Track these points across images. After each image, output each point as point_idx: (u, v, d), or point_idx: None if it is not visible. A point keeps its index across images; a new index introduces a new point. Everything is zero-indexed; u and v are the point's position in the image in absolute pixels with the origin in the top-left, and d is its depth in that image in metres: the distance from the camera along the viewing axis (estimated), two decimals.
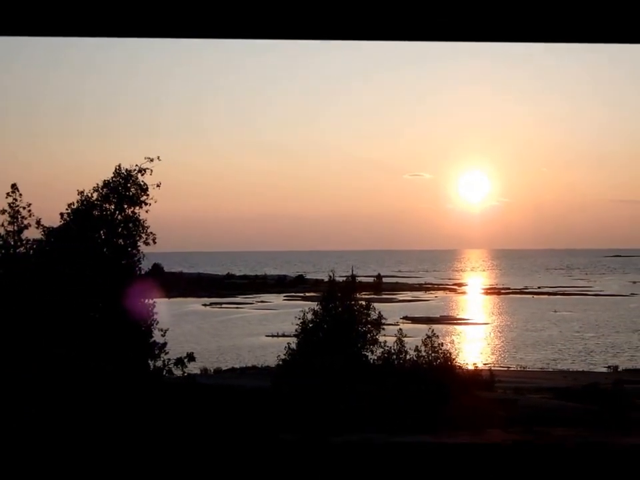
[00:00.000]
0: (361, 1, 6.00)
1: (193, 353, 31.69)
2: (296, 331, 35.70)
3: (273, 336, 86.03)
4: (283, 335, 73.23)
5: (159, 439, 25.31)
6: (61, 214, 30.39)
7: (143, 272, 31.29)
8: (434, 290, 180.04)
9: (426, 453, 20.77)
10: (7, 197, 30.20)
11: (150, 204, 30.83)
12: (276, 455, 21.08)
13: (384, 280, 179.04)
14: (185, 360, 30.83)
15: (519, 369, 65.70)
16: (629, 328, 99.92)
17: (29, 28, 6.40)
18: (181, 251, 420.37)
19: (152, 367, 30.44)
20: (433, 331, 35.39)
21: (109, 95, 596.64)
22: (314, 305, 36.30)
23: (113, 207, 30.61)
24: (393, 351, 34.97)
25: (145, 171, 30.79)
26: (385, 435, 28.16)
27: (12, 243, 30.18)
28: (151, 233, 30.84)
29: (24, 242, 30.36)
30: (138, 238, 30.67)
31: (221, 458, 21.36)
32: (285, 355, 35.21)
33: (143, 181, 30.81)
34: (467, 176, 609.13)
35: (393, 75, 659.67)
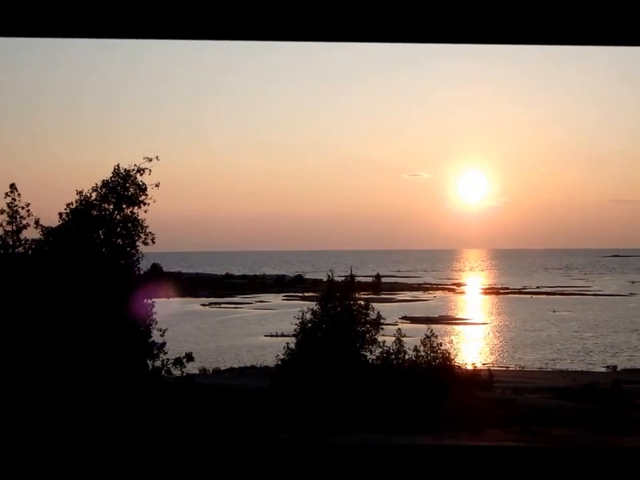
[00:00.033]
0: (361, 3, 5.99)
1: (191, 352, 31.71)
2: (295, 330, 35.70)
3: (271, 336, 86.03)
4: (282, 335, 73.22)
5: (157, 438, 25.30)
6: (60, 214, 30.39)
7: (141, 272, 31.31)
8: (433, 290, 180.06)
9: (425, 454, 20.76)
10: (5, 197, 30.23)
11: (149, 204, 30.86)
12: (274, 455, 21.06)
13: (383, 280, 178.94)
14: (184, 360, 30.83)
15: (517, 368, 65.73)
16: (628, 328, 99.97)
17: (29, 29, 6.39)
18: (179, 250, 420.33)
19: (151, 367, 30.43)
20: (431, 330, 35.41)
21: (109, 94, 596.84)
22: (313, 305, 36.31)
23: (111, 206, 30.61)
24: (391, 350, 34.97)
25: (144, 171, 30.80)
26: (383, 434, 28.17)
27: (10, 243, 30.18)
28: (150, 232, 30.87)
29: (22, 242, 30.36)
30: (137, 238, 30.67)
31: (220, 458, 21.35)
32: (283, 354, 35.22)
33: (141, 181, 30.83)
34: (465, 176, 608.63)
35: (392, 75, 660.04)
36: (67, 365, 27.74)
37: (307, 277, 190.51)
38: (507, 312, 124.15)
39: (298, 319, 35.55)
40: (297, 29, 6.27)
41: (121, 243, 30.62)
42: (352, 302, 36.11)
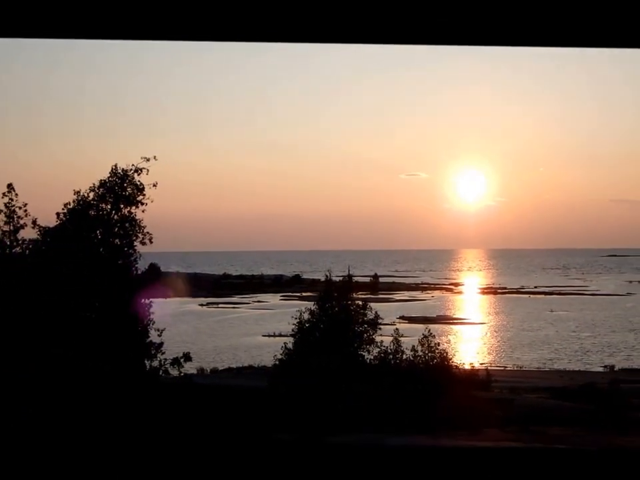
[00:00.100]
0: (361, 4, 6.00)
1: (189, 352, 31.70)
2: (292, 330, 35.67)
3: (269, 336, 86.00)
4: (280, 335, 73.16)
5: (155, 438, 25.30)
6: (57, 214, 30.38)
7: (139, 272, 31.29)
8: (430, 290, 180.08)
9: (423, 453, 20.79)
10: (2, 197, 30.22)
11: (146, 204, 30.85)
12: (272, 455, 21.08)
13: (380, 280, 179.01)
14: (182, 360, 30.83)
15: (515, 368, 65.74)
16: (625, 327, 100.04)
17: (29, 29, 6.40)
18: (177, 250, 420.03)
19: (148, 366, 30.42)
20: (429, 330, 35.40)
21: (109, 95, 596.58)
22: (310, 305, 36.27)
23: (109, 206, 30.60)
24: (389, 350, 34.94)
25: (142, 171, 30.79)
26: (381, 434, 28.16)
27: (8, 243, 30.17)
28: (148, 232, 30.86)
29: (20, 242, 30.36)
30: (134, 238, 30.67)
31: (218, 458, 21.36)
32: (281, 354, 35.19)
33: (139, 181, 30.82)
34: (463, 176, 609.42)
35: (390, 75, 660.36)
36: (65, 364, 27.74)
37: (304, 276, 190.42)
38: (504, 312, 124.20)
39: (296, 318, 35.52)
40: (298, 30, 6.28)
41: (118, 242, 30.62)
42: (350, 302, 36.09)
